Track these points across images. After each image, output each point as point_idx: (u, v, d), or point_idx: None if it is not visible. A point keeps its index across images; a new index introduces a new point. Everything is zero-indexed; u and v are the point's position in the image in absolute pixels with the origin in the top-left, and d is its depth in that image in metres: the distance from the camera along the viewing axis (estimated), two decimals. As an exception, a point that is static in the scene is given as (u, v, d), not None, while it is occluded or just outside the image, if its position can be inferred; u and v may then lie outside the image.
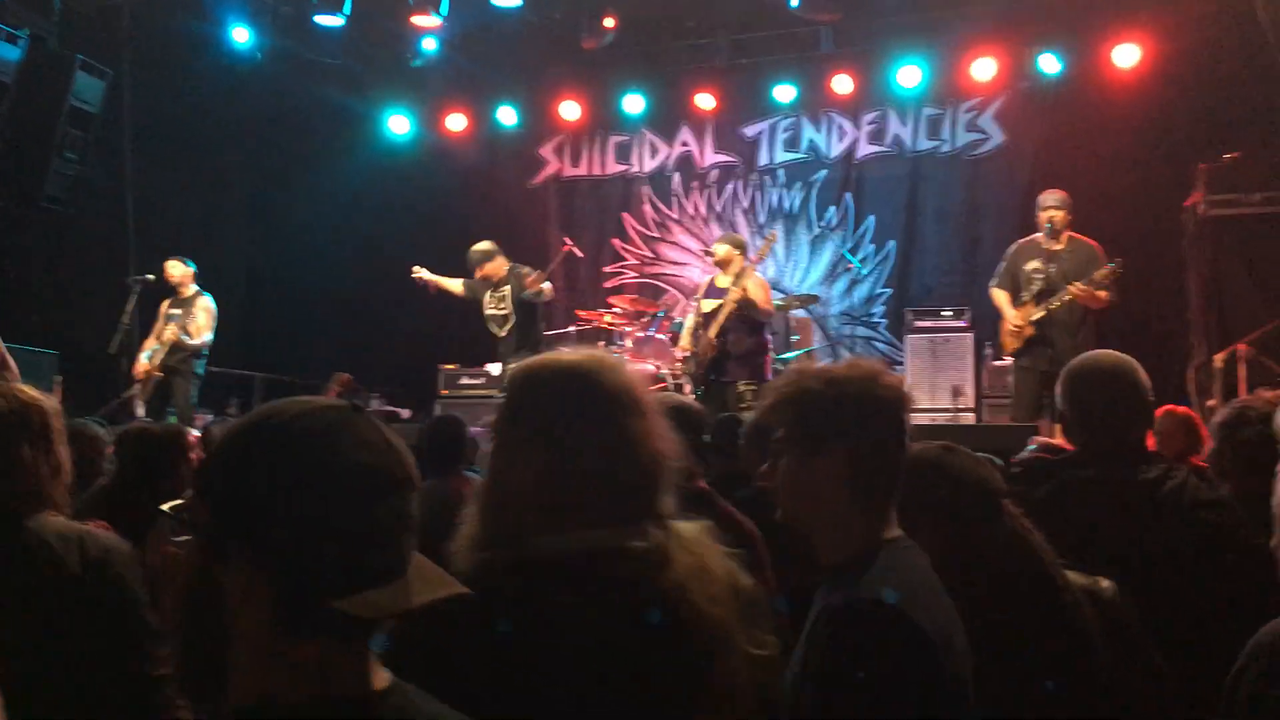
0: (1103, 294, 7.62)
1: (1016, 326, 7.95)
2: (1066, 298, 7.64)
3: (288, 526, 1.24)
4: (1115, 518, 2.86)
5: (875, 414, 2.06)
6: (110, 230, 10.78)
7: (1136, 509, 2.87)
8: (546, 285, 9.48)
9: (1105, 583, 2.54)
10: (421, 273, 9.74)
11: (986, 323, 10.31)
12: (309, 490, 1.25)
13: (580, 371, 1.82)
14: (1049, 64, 10.88)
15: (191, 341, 9.58)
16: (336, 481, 1.26)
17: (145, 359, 9.57)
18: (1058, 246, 7.90)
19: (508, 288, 9.47)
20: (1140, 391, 3.11)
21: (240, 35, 11.13)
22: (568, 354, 1.88)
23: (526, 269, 9.58)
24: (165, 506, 1.33)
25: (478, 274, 9.53)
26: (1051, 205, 7.89)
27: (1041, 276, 7.83)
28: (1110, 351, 3.23)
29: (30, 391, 2.72)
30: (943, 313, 10.59)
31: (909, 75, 11.41)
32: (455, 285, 9.75)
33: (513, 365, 1.85)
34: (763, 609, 1.83)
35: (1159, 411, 3.12)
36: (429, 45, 11.80)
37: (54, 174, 10.06)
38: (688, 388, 9.26)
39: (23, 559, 2.51)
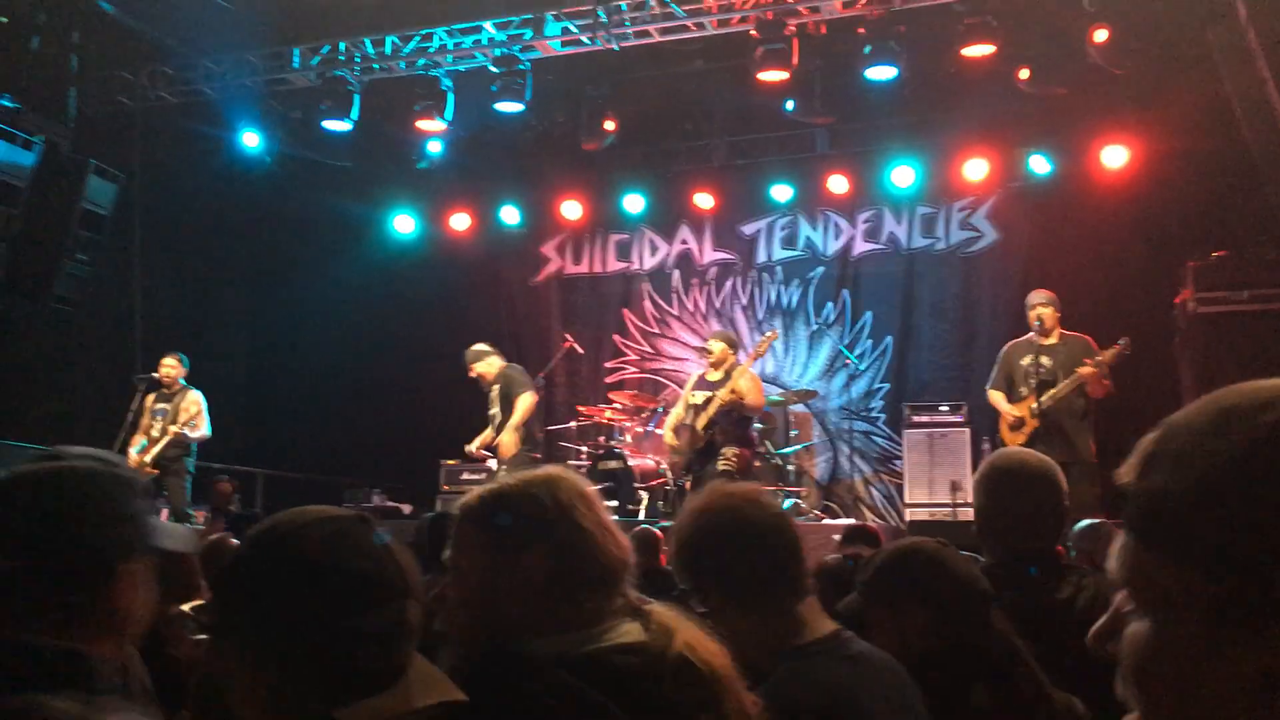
0: (1106, 381, 7.78)
1: (1017, 418, 8.08)
2: (1075, 381, 7.78)
3: (288, 633, 1.30)
4: (1034, 641, 2.65)
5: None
6: (117, 329, 10.93)
7: (1052, 631, 2.69)
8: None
9: (1077, 702, 2.51)
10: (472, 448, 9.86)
11: (984, 417, 10.39)
12: (308, 599, 1.30)
13: (538, 484, 1.89)
14: (1039, 165, 11.14)
15: (192, 435, 9.57)
16: (335, 591, 1.31)
17: (135, 453, 9.56)
18: (1050, 342, 8.08)
19: (497, 388, 9.56)
20: (1061, 498, 2.99)
21: (250, 140, 11.41)
22: (523, 474, 1.96)
23: (518, 370, 9.69)
24: (185, 607, 1.38)
25: (470, 373, 9.62)
26: (1039, 303, 8.10)
27: (1039, 370, 7.98)
28: (1032, 452, 3.16)
29: None
30: (940, 407, 10.67)
31: (903, 175, 11.67)
32: (487, 434, 9.75)
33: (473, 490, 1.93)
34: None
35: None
36: (434, 148, 12.09)
37: (64, 274, 10.26)
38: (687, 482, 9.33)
39: None
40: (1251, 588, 0.75)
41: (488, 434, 9.63)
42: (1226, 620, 0.77)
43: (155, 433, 9.53)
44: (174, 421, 9.50)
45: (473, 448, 9.74)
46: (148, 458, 9.46)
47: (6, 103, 9.92)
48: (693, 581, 2.22)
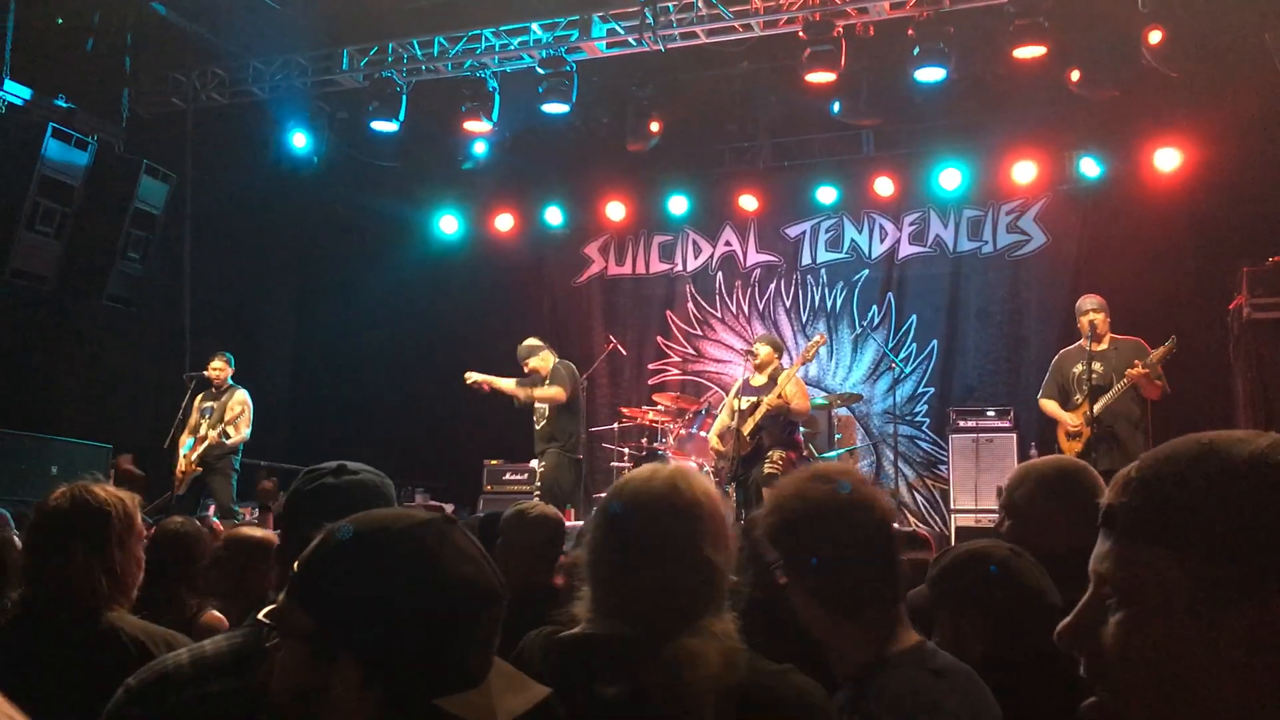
0: (1159, 381, 7.68)
1: (1075, 427, 7.98)
2: (1126, 384, 7.69)
3: (401, 635, 1.32)
4: None
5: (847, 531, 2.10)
6: (167, 327, 11.07)
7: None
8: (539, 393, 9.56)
9: None
10: (474, 376, 9.85)
11: (1031, 423, 10.28)
12: (422, 601, 1.33)
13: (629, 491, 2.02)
14: (1089, 167, 11.01)
15: (231, 440, 9.64)
16: (444, 593, 1.34)
17: (184, 451, 9.65)
18: (1102, 347, 7.98)
19: (548, 381, 9.61)
20: (1092, 497, 2.94)
21: (299, 140, 11.51)
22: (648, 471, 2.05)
23: (567, 367, 9.74)
24: (262, 614, 1.38)
25: (525, 369, 9.67)
26: (1090, 309, 8.00)
27: (1091, 376, 7.88)
28: (1066, 456, 3.06)
29: (99, 492, 2.74)
30: (987, 412, 10.56)
31: (950, 178, 11.58)
32: (509, 384, 9.83)
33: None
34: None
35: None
36: (479, 149, 12.13)
37: (117, 273, 10.39)
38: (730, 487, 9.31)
39: (103, 655, 2.50)
40: (1238, 568, 0.95)
41: (507, 384, 9.73)
42: (1216, 598, 0.95)
43: (202, 431, 9.63)
44: (220, 419, 9.59)
45: (476, 377, 9.80)
46: (194, 455, 9.56)
47: (62, 103, 10.08)
48: (786, 572, 2.17)
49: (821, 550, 2.09)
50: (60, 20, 10.06)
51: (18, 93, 9.76)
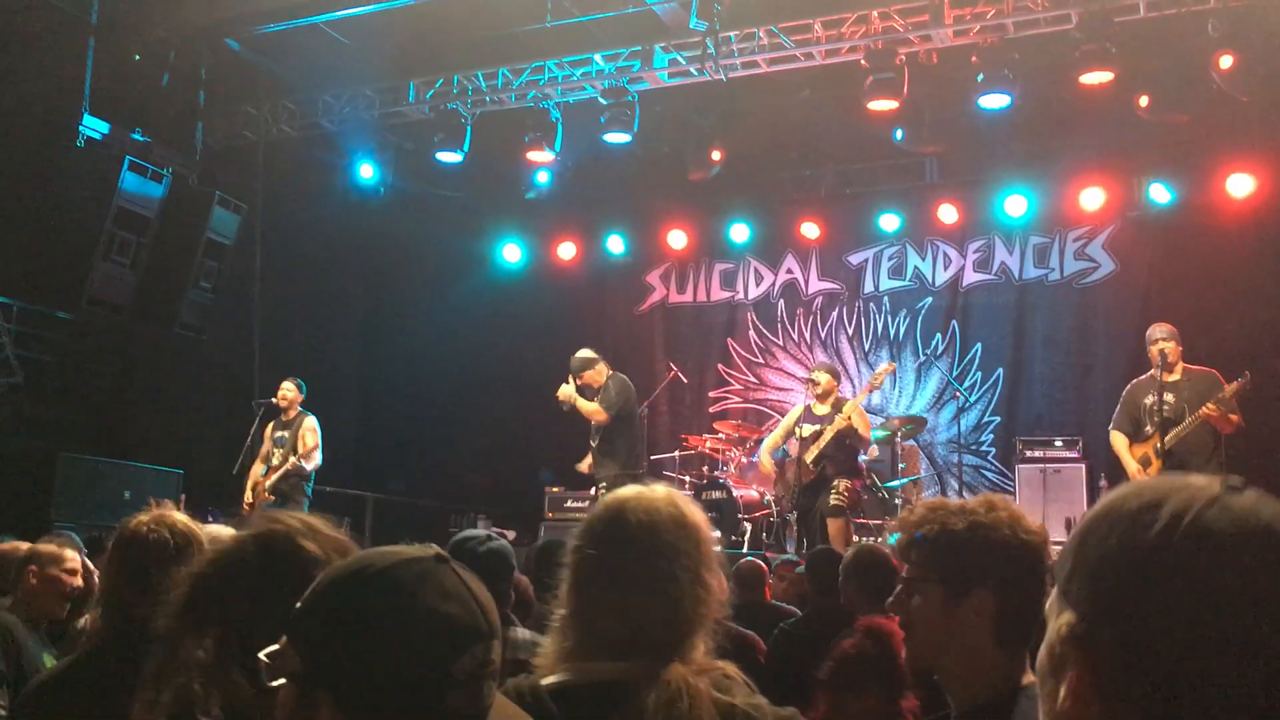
0: (1234, 416, 7.50)
1: (1141, 459, 7.80)
2: (1197, 420, 7.53)
3: (372, 678, 1.28)
4: None
5: (1020, 559, 2.00)
6: (237, 355, 11.27)
7: None
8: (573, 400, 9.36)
9: None
10: (567, 392, 9.68)
11: (1100, 453, 10.06)
12: (393, 643, 1.29)
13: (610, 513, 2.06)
14: (1160, 193, 10.82)
15: (307, 467, 9.74)
16: (420, 634, 1.30)
17: (260, 474, 9.78)
18: (1174, 378, 7.81)
19: (601, 394, 9.48)
20: None
21: (366, 171, 11.72)
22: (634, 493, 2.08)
23: (621, 381, 9.60)
24: (262, 654, 1.35)
25: (578, 382, 9.52)
26: (1161, 338, 7.83)
27: (1162, 408, 7.71)
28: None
29: (187, 519, 2.77)
30: (1055, 442, 10.38)
31: (1015, 204, 11.44)
32: (592, 406, 9.63)
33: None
34: None
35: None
36: (542, 178, 12.24)
37: (189, 302, 10.63)
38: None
39: None
40: None
41: (591, 406, 9.49)
42: None
43: (275, 460, 9.72)
44: (294, 450, 9.67)
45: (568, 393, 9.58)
46: (268, 484, 9.66)
47: (138, 137, 10.37)
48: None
49: (1010, 573, 2.02)
50: (137, 57, 10.35)
51: (96, 127, 10.05)
